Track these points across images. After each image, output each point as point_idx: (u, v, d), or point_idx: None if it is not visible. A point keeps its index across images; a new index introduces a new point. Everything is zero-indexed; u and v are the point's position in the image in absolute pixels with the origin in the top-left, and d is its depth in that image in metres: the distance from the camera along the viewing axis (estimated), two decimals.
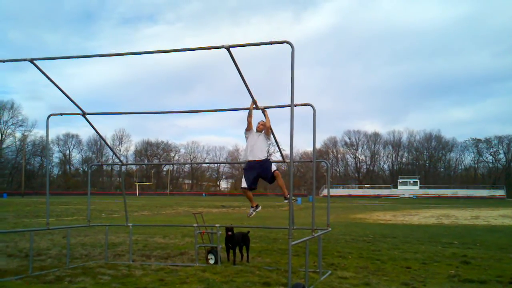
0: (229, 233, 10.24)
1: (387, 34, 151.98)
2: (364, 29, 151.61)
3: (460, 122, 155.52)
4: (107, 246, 11.12)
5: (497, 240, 15.23)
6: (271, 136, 9.19)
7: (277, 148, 10.80)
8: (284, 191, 8.68)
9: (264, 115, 8.90)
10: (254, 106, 8.82)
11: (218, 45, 7.10)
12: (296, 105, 7.10)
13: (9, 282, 8.00)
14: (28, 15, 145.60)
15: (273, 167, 8.75)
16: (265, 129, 8.88)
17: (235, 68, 7.65)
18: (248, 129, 9.00)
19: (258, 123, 9.04)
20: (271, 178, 8.68)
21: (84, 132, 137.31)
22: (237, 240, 10.26)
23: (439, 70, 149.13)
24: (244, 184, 8.83)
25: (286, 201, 8.50)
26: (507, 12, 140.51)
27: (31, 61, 8.05)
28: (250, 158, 8.79)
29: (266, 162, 8.78)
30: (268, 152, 9.06)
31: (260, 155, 8.74)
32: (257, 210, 9.20)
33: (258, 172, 8.75)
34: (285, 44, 6.66)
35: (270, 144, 9.18)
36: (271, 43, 6.79)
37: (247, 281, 8.12)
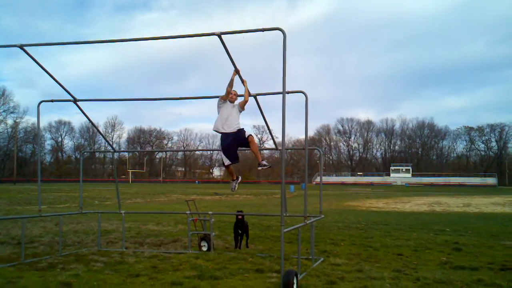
0: (239, 216, 10.35)
1: (383, 22, 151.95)
2: (359, 18, 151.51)
3: (453, 110, 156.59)
4: (99, 233, 11.09)
5: (488, 228, 15.36)
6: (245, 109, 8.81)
7: (269, 136, 10.76)
8: (258, 157, 8.65)
9: (244, 87, 8.58)
10: (236, 75, 8.46)
11: (211, 32, 7.05)
12: (288, 92, 7.05)
13: (1, 269, 7.97)
14: (21, 2, 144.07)
15: (247, 132, 8.57)
16: (243, 102, 8.65)
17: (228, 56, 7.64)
18: (224, 98, 8.61)
19: (231, 94, 8.61)
20: (247, 144, 8.54)
21: (76, 119, 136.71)
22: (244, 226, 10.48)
23: (434, 59, 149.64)
24: (227, 161, 8.65)
25: (260, 168, 8.72)
26: (503, 1, 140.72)
27: (21, 47, 7.92)
28: (226, 130, 8.52)
29: (241, 132, 8.57)
30: (239, 121, 8.75)
31: (235, 127, 8.53)
32: (238, 181, 9.19)
33: (237, 144, 8.58)
34: (278, 31, 6.60)
35: (241, 113, 8.79)
36: (263, 30, 6.75)
37: (240, 268, 8.13)
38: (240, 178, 9.33)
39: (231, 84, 8.49)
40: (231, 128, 8.50)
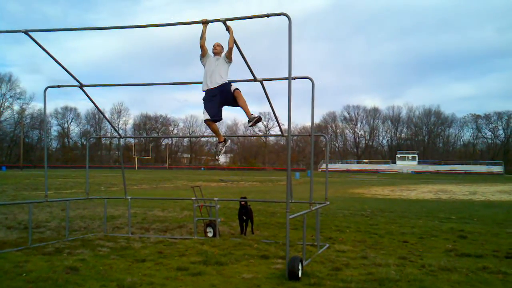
0: (243, 203, 10.35)
1: (389, 9, 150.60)
2: (366, 4, 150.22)
3: (460, 97, 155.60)
4: (106, 219, 11.15)
5: (494, 215, 15.32)
6: (232, 59, 7.95)
7: (275, 123, 10.72)
8: (247, 112, 7.80)
9: (230, 34, 7.55)
10: (206, 27, 7.75)
11: (216, 18, 7.03)
12: (294, 78, 6.99)
13: (8, 254, 8.04)
14: None
15: (233, 86, 7.80)
16: (227, 51, 7.79)
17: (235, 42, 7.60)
18: (203, 54, 8.03)
19: (213, 46, 8.04)
20: (233, 100, 7.79)
21: (83, 105, 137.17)
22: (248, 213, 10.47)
23: (441, 46, 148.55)
24: (206, 115, 7.84)
25: (251, 122, 7.86)
26: None
27: (26, 32, 7.90)
28: (210, 86, 7.83)
29: (226, 85, 7.81)
30: (227, 76, 7.97)
31: (220, 81, 7.80)
32: (226, 145, 8.42)
33: (220, 99, 7.81)
34: (285, 17, 6.56)
35: (230, 65, 7.97)
36: (267, 15, 6.71)
37: (245, 254, 8.16)
38: (228, 141, 8.53)
39: (202, 37, 7.91)
40: (215, 84, 7.82)
